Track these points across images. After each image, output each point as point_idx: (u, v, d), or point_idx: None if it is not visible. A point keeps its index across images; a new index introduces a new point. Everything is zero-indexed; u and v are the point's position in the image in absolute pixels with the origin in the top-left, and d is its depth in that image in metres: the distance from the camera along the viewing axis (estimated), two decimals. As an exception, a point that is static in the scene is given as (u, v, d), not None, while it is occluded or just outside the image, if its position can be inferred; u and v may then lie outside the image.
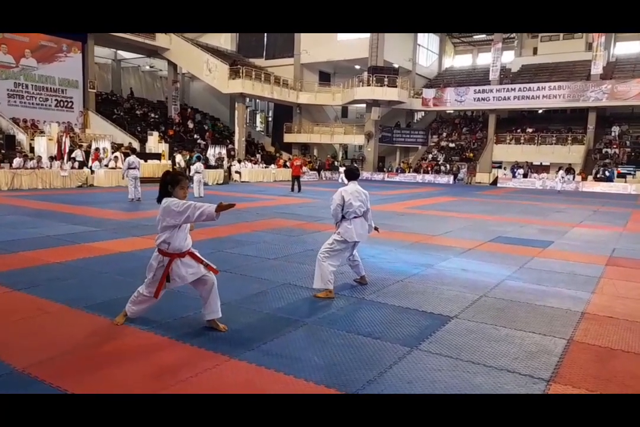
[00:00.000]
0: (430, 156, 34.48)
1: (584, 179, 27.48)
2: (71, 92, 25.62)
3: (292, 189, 19.06)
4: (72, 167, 18.72)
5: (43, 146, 19.88)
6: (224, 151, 26.48)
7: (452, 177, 30.94)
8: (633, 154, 28.71)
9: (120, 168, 18.97)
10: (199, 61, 30.00)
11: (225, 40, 36.36)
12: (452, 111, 36.87)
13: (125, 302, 3.99)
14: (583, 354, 3.67)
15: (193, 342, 3.66)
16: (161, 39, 29.42)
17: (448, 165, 32.29)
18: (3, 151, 19.13)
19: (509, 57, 37.36)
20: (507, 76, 35.18)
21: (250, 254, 6.92)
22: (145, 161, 19.70)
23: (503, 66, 34.57)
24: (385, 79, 30.36)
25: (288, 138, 35.66)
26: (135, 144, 23.69)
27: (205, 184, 17.26)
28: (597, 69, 29.62)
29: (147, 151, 23.27)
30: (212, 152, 25.82)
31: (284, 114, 36.57)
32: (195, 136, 30.99)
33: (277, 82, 31.99)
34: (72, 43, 25.34)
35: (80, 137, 23.74)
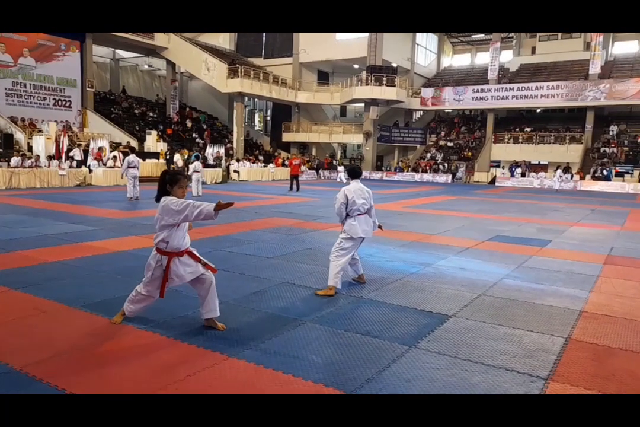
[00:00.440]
0: (428, 155, 34.49)
1: (582, 178, 27.52)
2: (69, 91, 25.59)
3: (291, 188, 19.05)
4: (71, 166, 18.70)
5: (41, 145, 19.87)
6: (222, 150, 26.46)
7: (450, 177, 30.96)
8: (631, 153, 28.75)
9: (118, 167, 18.98)
10: (197, 60, 29.97)
11: (224, 40, 36.33)
12: (450, 110, 36.89)
13: (123, 301, 3.99)
14: (581, 353, 3.68)
15: (191, 341, 3.66)
16: (160, 38, 29.38)
17: (446, 165, 32.30)
18: (1, 150, 19.12)
19: (507, 57, 37.39)
20: (506, 76, 35.20)
21: (249, 253, 6.92)
22: (144, 160, 19.68)
23: (501, 66, 34.60)
24: (384, 79, 30.37)
25: (286, 137, 35.67)
26: (134, 143, 23.66)
27: (204, 183, 17.25)
28: (595, 68, 29.64)
29: (146, 150, 23.27)
30: (211, 151, 25.81)
31: (282, 113, 36.56)
32: (193, 135, 30.97)
33: (276, 81, 31.98)
34: (70, 42, 25.30)
35: (78, 136, 23.70)
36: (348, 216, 5.31)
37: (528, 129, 32.26)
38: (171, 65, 31.95)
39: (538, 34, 36.00)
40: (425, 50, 38.82)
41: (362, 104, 33.13)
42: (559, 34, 35.16)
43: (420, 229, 9.63)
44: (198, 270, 3.79)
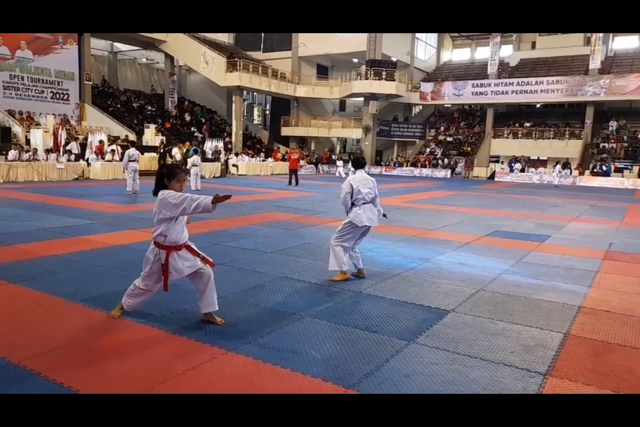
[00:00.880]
0: (427, 150, 34.45)
1: (581, 173, 27.52)
2: (67, 84, 25.45)
3: (290, 183, 19.03)
4: (69, 160, 18.63)
5: (39, 138, 19.79)
6: (221, 144, 26.39)
7: (449, 171, 30.94)
8: (630, 148, 28.74)
9: (116, 161, 18.93)
10: (196, 54, 29.82)
11: (223, 33, 36.13)
12: (450, 105, 36.81)
13: (122, 295, 3.98)
14: (580, 348, 3.68)
15: (190, 335, 3.65)
16: (158, 31, 29.20)
17: (446, 160, 32.27)
18: (-2, 143, 19.03)
19: (507, 51, 37.26)
20: (505, 70, 35.10)
21: (247, 247, 6.91)
22: (142, 154, 19.63)
23: (501, 60, 34.50)
24: (383, 73, 30.27)
25: (285, 131, 35.57)
26: (132, 137, 23.59)
27: (202, 177, 17.21)
28: (595, 63, 29.57)
29: (144, 144, 23.19)
30: (210, 145, 25.73)
31: (281, 108, 36.45)
32: (192, 129, 30.87)
33: (275, 75, 31.85)
34: (68, 35, 25.13)
35: (76, 130, 23.61)
36: (353, 205, 5.42)
37: (527, 124, 32.22)
38: (170, 58, 31.79)
39: (538, 29, 35.82)
40: (425, 45, 38.68)
41: (362, 99, 33.05)
42: (559, 29, 35.00)
43: (419, 224, 9.62)
44: (196, 264, 3.78)
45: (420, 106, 37.23)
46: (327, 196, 15.23)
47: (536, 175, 28.33)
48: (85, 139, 21.42)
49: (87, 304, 4.27)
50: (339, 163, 28.26)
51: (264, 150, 31.40)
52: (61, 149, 19.03)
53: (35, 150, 18.11)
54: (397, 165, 33.56)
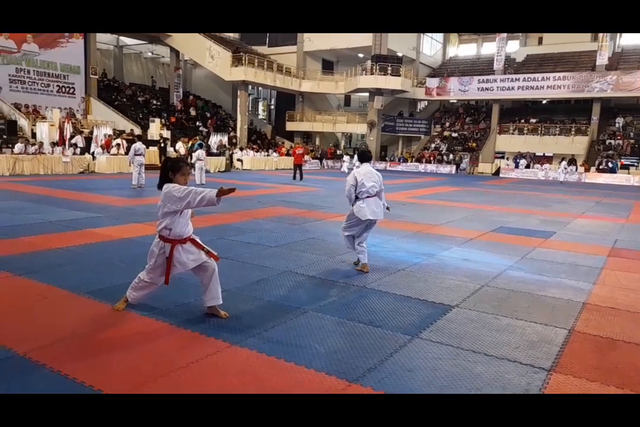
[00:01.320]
0: (432, 146, 34.35)
1: (587, 170, 27.38)
2: (73, 78, 25.47)
3: (294, 178, 19.02)
4: (74, 154, 18.67)
5: (45, 132, 19.83)
6: (225, 139, 26.37)
7: (454, 167, 30.84)
8: (637, 145, 28.57)
9: (122, 155, 18.96)
10: (201, 48, 29.77)
11: (228, 28, 35.99)
12: (455, 101, 36.66)
13: (126, 288, 3.99)
14: (584, 345, 3.67)
15: (194, 328, 3.66)
16: (163, 25, 29.11)
17: (451, 155, 32.17)
18: (5, 137, 19.07)
19: (513, 47, 37.03)
20: (512, 66, 34.91)
21: (252, 241, 6.91)
22: (147, 148, 19.66)
23: (508, 56, 34.29)
24: (389, 68, 30.13)
25: (290, 126, 35.51)
26: (137, 131, 23.60)
27: (207, 172, 17.22)
28: (602, 59, 29.35)
29: (149, 138, 23.22)
30: (215, 140, 25.72)
31: (286, 102, 36.38)
32: (197, 123, 30.86)
33: (280, 70, 31.77)
34: (73, 28, 25.11)
35: (82, 123, 23.64)
36: (357, 198, 5.44)
37: (533, 120, 32.05)
38: (175, 52, 31.76)
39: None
40: (431, 40, 38.49)
41: (367, 94, 32.93)
42: (567, 24, 34.73)
43: (424, 220, 9.60)
44: (201, 257, 3.79)
45: (426, 102, 37.13)
46: (332, 191, 15.22)
47: (541, 172, 28.21)
48: (91, 132, 21.45)
49: (91, 296, 4.29)
50: (346, 158, 27.96)
51: (265, 145, 31.33)
52: (67, 143, 19.07)
53: (41, 143, 18.15)
54: (401, 160, 33.48)
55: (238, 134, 30.08)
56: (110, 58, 34.14)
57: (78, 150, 19.11)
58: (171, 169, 3.65)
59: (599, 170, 27.26)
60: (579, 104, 32.52)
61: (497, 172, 29.83)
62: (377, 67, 30.03)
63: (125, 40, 33.43)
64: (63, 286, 4.52)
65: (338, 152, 33.70)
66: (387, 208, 5.72)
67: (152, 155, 20.57)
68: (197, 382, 2.86)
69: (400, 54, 32.73)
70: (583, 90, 29.26)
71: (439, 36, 39.73)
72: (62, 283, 4.61)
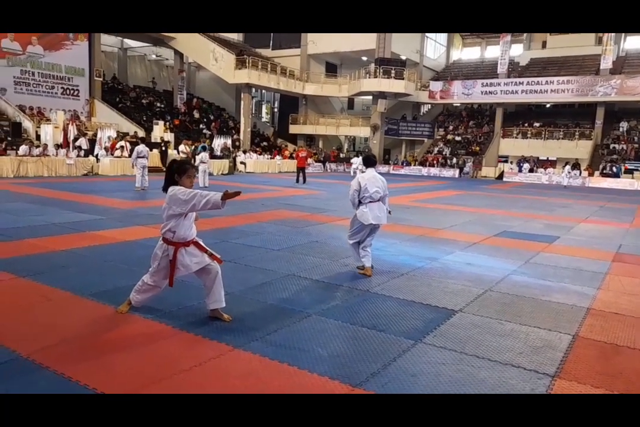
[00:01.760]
0: (436, 149, 34.33)
1: (591, 174, 27.32)
2: (77, 80, 25.57)
3: (297, 181, 19.03)
4: (78, 156, 18.72)
5: (49, 134, 19.88)
6: (229, 142, 26.42)
7: (457, 171, 30.81)
8: (641, 150, 28.51)
9: (125, 157, 18.99)
10: (205, 50, 29.86)
11: (232, 30, 36.11)
12: (459, 104, 36.63)
13: (129, 290, 3.99)
14: (588, 350, 3.65)
15: (197, 331, 3.66)
16: (168, 28, 29.20)
17: (454, 159, 32.14)
18: (9, 138, 19.14)
19: (517, 51, 37.00)
20: (515, 69, 34.88)
21: (255, 244, 6.91)
22: (151, 150, 19.70)
23: (511, 59, 34.27)
24: (392, 71, 30.15)
25: (293, 129, 35.56)
26: (141, 133, 23.66)
27: (210, 174, 17.24)
28: (606, 63, 29.32)
29: (153, 140, 23.29)
30: (218, 142, 25.77)
31: (289, 105, 36.44)
32: (201, 126, 30.93)
33: (284, 72, 31.84)
34: (78, 31, 25.26)
35: (86, 126, 23.72)
36: (360, 203, 5.47)
37: (537, 124, 32.01)
38: (179, 55, 31.85)
39: (549, 28, 35.56)
40: (434, 43, 38.50)
41: (370, 97, 32.94)
42: (571, 28, 34.72)
43: (427, 224, 9.59)
44: (204, 260, 3.79)
45: (429, 105, 37.11)
46: (335, 194, 15.22)
47: (545, 176, 28.16)
48: (95, 135, 21.51)
49: (95, 298, 4.29)
50: (354, 160, 26.22)
51: (268, 147, 31.38)
52: (71, 145, 19.13)
53: (46, 145, 18.19)
54: (405, 164, 33.46)
55: (241, 137, 30.13)
56: (114, 60, 34.29)
57: (82, 153, 19.16)
58: (177, 172, 3.66)
59: (602, 174, 27.19)
60: (582, 108, 32.46)
61: (501, 176, 29.78)
62: (381, 70, 30.06)
63: (130, 42, 33.57)
64: (66, 288, 4.53)
65: (341, 155, 33.66)
66: (389, 211, 5.73)
67: (154, 158, 20.58)
68: (200, 385, 2.86)
69: (403, 57, 32.77)
70: (587, 94, 29.22)
71: (443, 39, 39.75)
72: (66, 285, 4.61)
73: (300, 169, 19.24)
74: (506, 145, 31.81)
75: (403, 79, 30.59)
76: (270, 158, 28.35)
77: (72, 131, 20.01)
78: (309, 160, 27.24)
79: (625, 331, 4.07)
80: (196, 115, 32.14)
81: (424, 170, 31.61)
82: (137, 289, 3.91)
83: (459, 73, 37.59)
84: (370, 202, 5.43)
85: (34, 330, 3.59)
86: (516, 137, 31.77)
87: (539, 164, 29.99)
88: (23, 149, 17.18)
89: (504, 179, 29.06)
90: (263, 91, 38.09)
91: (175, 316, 3.97)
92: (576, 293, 5.15)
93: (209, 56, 29.80)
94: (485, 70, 36.61)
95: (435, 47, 38.70)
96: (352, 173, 25.49)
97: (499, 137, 32.06)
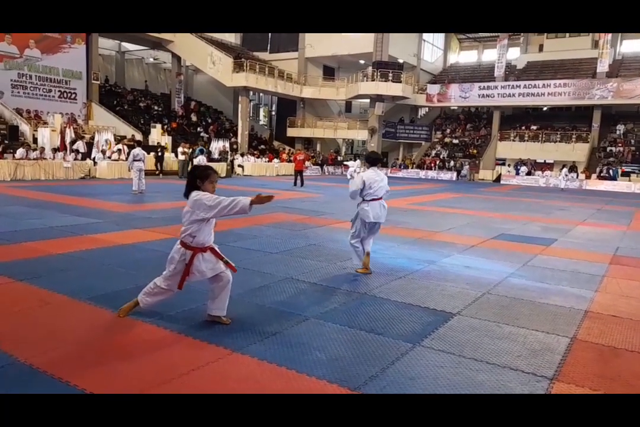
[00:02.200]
0: (433, 152, 34.42)
1: (588, 177, 27.40)
2: (75, 83, 25.58)
3: (295, 184, 19.05)
4: (75, 159, 18.71)
5: (46, 137, 19.87)
6: (227, 145, 26.43)
7: (455, 174, 30.88)
8: (638, 152, 28.62)
9: (123, 160, 18.99)
10: (203, 54, 29.91)
11: (230, 33, 36.19)
12: (456, 107, 36.76)
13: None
14: (586, 353, 3.65)
15: (196, 335, 3.65)
16: (165, 31, 29.27)
17: (452, 162, 32.20)
18: (6, 142, 19.12)
19: (514, 54, 37.17)
20: (513, 73, 35.03)
21: (253, 248, 6.91)
22: (148, 153, 19.70)
23: (508, 63, 34.43)
24: (390, 74, 30.24)
25: (291, 132, 35.60)
26: (139, 136, 23.66)
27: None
28: (603, 66, 29.46)
29: (150, 144, 23.30)
30: (216, 146, 25.78)
31: (287, 108, 36.51)
32: (198, 129, 30.94)
33: (281, 76, 31.90)
34: (76, 34, 25.26)
35: (83, 129, 23.71)
36: (363, 200, 5.56)
37: (534, 127, 32.13)
38: (177, 58, 31.90)
39: (546, 32, 35.81)
40: (431, 47, 38.65)
41: (368, 100, 33.04)
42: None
43: (425, 226, 9.60)
44: (219, 267, 3.78)
45: (427, 108, 37.24)
46: (332, 197, 15.23)
47: (542, 179, 28.24)
48: (92, 138, 21.50)
49: (93, 302, 4.28)
50: (351, 163, 24.48)
51: (266, 149, 31.41)
52: (68, 148, 19.11)
53: (43, 149, 18.19)
54: (402, 167, 33.51)
55: (239, 140, 30.15)
56: (112, 64, 34.32)
57: (79, 156, 19.15)
58: (199, 177, 3.62)
59: (600, 177, 27.27)
60: (579, 111, 32.60)
61: (498, 179, 29.86)
62: (378, 74, 30.14)
63: (127, 46, 33.61)
64: (64, 292, 4.51)
65: (339, 158, 33.70)
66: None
67: (150, 161, 20.57)
68: (198, 389, 2.85)
69: (401, 61, 32.87)
70: (584, 98, 29.35)
71: (440, 43, 39.90)
72: (64, 289, 4.60)
73: (298, 172, 19.27)
74: (503, 148, 31.91)
75: (400, 82, 30.67)
76: (267, 161, 28.37)
77: (70, 134, 20.00)
78: (307, 163, 27.27)
79: (623, 334, 4.08)
80: (194, 118, 32.16)
81: (422, 173, 31.68)
82: (147, 291, 3.85)
83: (456, 76, 37.71)
84: (372, 200, 5.53)
85: (31, 334, 3.57)
86: (513, 140, 31.87)
87: (536, 166, 30.07)
88: (20, 152, 17.16)
89: (502, 182, 29.14)
90: (261, 94, 38.16)
91: (173, 319, 3.96)
92: (574, 296, 5.15)
93: (206, 59, 29.85)
94: (482, 74, 36.74)
95: (432, 51, 38.85)
96: (348, 176, 25.35)
97: (497, 140, 32.16)
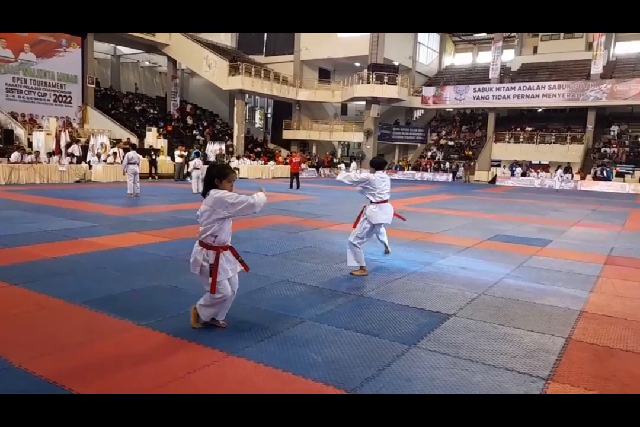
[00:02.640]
0: (429, 154, 34.47)
1: (583, 178, 27.51)
2: (70, 87, 25.52)
3: (291, 186, 19.04)
4: (70, 162, 18.67)
5: (41, 141, 19.81)
6: (223, 148, 26.40)
7: (451, 175, 30.94)
8: (632, 153, 28.74)
9: (118, 164, 18.95)
10: (198, 57, 29.90)
11: (225, 37, 36.24)
12: (451, 109, 36.85)
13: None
14: (581, 353, 3.67)
15: (191, 338, 3.65)
16: (161, 35, 29.25)
17: (447, 164, 32.28)
18: (1, 146, 19.07)
19: (509, 56, 37.33)
20: (507, 75, 35.14)
21: (249, 250, 6.90)
22: (144, 157, 19.66)
23: (503, 65, 34.55)
24: (385, 77, 30.30)
25: (287, 135, 35.61)
26: (134, 140, 23.62)
27: (204, 180, 17.21)
28: (597, 68, 29.61)
29: (146, 147, 23.27)
30: (211, 148, 25.75)
31: (283, 111, 36.51)
32: (194, 132, 30.92)
33: (277, 78, 31.92)
34: (71, 38, 25.22)
35: (78, 132, 23.66)
36: (371, 203, 5.72)
37: (529, 129, 32.23)
38: (172, 61, 31.86)
39: (540, 34, 35.95)
40: (427, 49, 38.77)
41: (363, 102, 33.07)
42: (561, 34, 35.10)
43: (421, 228, 9.61)
44: (237, 267, 3.79)
45: (422, 110, 37.32)
46: (329, 200, 15.24)
47: (537, 180, 28.33)
48: (88, 141, 21.46)
49: (88, 306, 4.27)
50: (342, 166, 27.58)
51: (262, 153, 31.40)
52: (63, 152, 19.06)
53: (38, 152, 18.14)
54: (398, 169, 33.55)
55: (235, 143, 30.14)
56: (107, 67, 34.26)
57: (74, 159, 19.10)
58: (217, 176, 3.61)
59: (594, 178, 27.37)
60: (574, 112, 32.72)
61: (494, 180, 29.94)
62: (374, 76, 30.19)
63: (123, 49, 33.56)
64: (60, 296, 4.50)
65: (334, 160, 33.74)
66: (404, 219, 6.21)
67: (145, 164, 20.53)
68: (195, 392, 2.85)
69: (396, 63, 32.93)
70: (578, 99, 29.47)
71: (435, 45, 40.03)
72: (59, 293, 4.59)
73: (294, 175, 19.27)
74: (498, 149, 32.00)
75: (396, 84, 30.74)
76: (263, 164, 28.37)
77: (65, 138, 19.95)
78: (303, 165, 27.29)
79: (618, 334, 4.10)
80: (189, 121, 32.13)
81: (418, 175, 31.73)
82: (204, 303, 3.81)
83: (451, 78, 37.84)
84: (380, 202, 5.70)
85: (26, 338, 3.56)
86: (508, 142, 31.97)
87: (531, 168, 30.17)
88: (15, 156, 17.11)
89: (497, 183, 29.21)
90: (256, 97, 38.16)
91: (169, 322, 3.95)
92: (569, 296, 5.17)
93: (202, 62, 29.84)
94: (477, 76, 36.86)
95: (427, 53, 38.96)
96: (338, 179, 25.77)
97: (492, 141, 32.25)
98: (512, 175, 29.80)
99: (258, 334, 3.78)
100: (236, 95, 30.09)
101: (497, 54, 32.67)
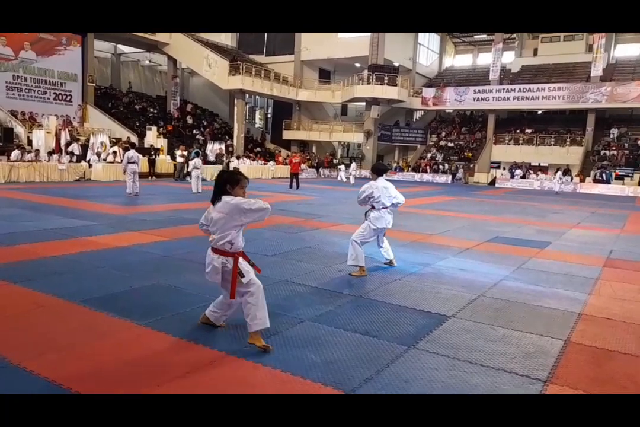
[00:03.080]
0: (429, 155, 34.48)
1: (582, 180, 27.54)
2: (70, 85, 25.50)
3: (291, 186, 19.05)
4: (70, 161, 18.65)
5: (41, 139, 19.80)
6: (223, 147, 26.39)
7: (450, 177, 30.96)
8: (631, 156, 28.76)
9: (118, 162, 18.94)
10: (199, 56, 29.88)
11: (226, 36, 36.23)
12: (451, 111, 36.86)
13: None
14: (580, 355, 3.67)
15: (190, 338, 3.65)
16: (161, 34, 29.21)
17: (447, 165, 32.29)
18: (1, 144, 19.04)
19: (509, 58, 37.34)
20: (507, 76, 35.17)
21: (248, 250, 6.80)
22: (144, 156, 19.66)
23: (503, 66, 34.56)
24: (385, 78, 30.31)
25: (287, 135, 35.59)
26: (134, 139, 23.61)
27: (204, 180, 17.21)
28: (597, 70, 29.63)
29: (146, 146, 23.25)
30: (211, 148, 25.74)
31: (283, 111, 36.50)
32: (194, 132, 30.91)
33: (277, 78, 31.91)
34: (71, 36, 25.20)
35: (78, 131, 23.64)
36: (374, 208, 5.90)
37: (529, 131, 32.26)
38: (172, 61, 31.85)
39: (540, 35, 35.99)
40: (427, 50, 38.79)
41: (363, 103, 33.08)
42: (561, 36, 35.13)
43: (420, 229, 9.62)
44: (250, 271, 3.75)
45: (422, 111, 37.34)
46: (328, 200, 15.24)
47: (537, 182, 28.35)
48: (87, 140, 21.45)
49: (87, 305, 4.26)
50: (341, 167, 28.54)
51: (261, 153, 31.40)
52: (63, 150, 19.05)
53: (37, 151, 18.12)
54: (398, 170, 33.56)
55: (235, 143, 30.13)
56: (107, 66, 34.25)
57: (74, 158, 19.08)
58: (229, 182, 3.51)
59: (594, 180, 27.41)
60: (573, 114, 32.75)
61: (493, 182, 29.96)
62: (374, 77, 30.20)
63: (123, 48, 33.55)
64: (59, 294, 4.50)
65: (334, 161, 33.76)
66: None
67: (144, 164, 20.52)
68: (193, 392, 2.84)
69: (396, 64, 32.96)
70: (578, 101, 29.49)
71: (435, 46, 40.06)
72: (58, 291, 4.59)
73: (294, 175, 19.27)
74: (498, 151, 32.02)
75: (396, 85, 30.76)
76: (263, 164, 28.38)
77: (65, 136, 19.94)
78: (303, 166, 27.30)
79: (617, 336, 4.10)
80: (189, 120, 32.12)
81: (417, 176, 31.74)
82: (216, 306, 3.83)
83: (451, 80, 37.86)
84: (383, 208, 5.88)
85: (25, 337, 3.56)
86: (508, 144, 31.99)
87: (530, 170, 30.19)
88: (15, 154, 17.10)
89: (496, 185, 29.23)
90: (256, 97, 38.16)
91: (168, 322, 3.95)
92: (568, 298, 5.18)
93: (202, 62, 29.82)
94: (477, 77, 36.90)
95: (427, 54, 38.98)
96: (343, 180, 26.01)
97: (491, 143, 32.27)
98: (512, 177, 29.82)
99: (257, 334, 3.78)
100: (236, 95, 30.07)
101: (497, 56, 32.68)
